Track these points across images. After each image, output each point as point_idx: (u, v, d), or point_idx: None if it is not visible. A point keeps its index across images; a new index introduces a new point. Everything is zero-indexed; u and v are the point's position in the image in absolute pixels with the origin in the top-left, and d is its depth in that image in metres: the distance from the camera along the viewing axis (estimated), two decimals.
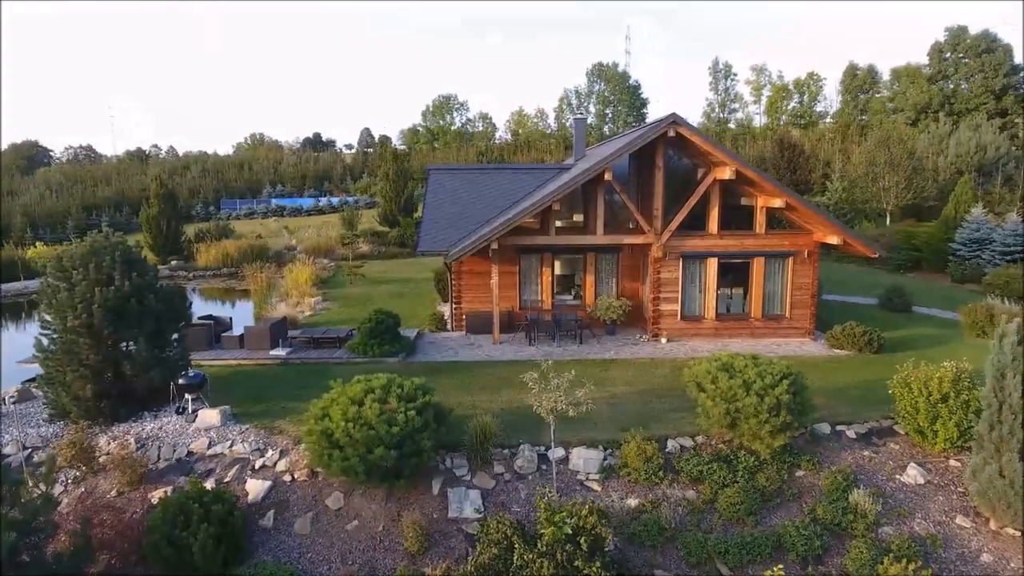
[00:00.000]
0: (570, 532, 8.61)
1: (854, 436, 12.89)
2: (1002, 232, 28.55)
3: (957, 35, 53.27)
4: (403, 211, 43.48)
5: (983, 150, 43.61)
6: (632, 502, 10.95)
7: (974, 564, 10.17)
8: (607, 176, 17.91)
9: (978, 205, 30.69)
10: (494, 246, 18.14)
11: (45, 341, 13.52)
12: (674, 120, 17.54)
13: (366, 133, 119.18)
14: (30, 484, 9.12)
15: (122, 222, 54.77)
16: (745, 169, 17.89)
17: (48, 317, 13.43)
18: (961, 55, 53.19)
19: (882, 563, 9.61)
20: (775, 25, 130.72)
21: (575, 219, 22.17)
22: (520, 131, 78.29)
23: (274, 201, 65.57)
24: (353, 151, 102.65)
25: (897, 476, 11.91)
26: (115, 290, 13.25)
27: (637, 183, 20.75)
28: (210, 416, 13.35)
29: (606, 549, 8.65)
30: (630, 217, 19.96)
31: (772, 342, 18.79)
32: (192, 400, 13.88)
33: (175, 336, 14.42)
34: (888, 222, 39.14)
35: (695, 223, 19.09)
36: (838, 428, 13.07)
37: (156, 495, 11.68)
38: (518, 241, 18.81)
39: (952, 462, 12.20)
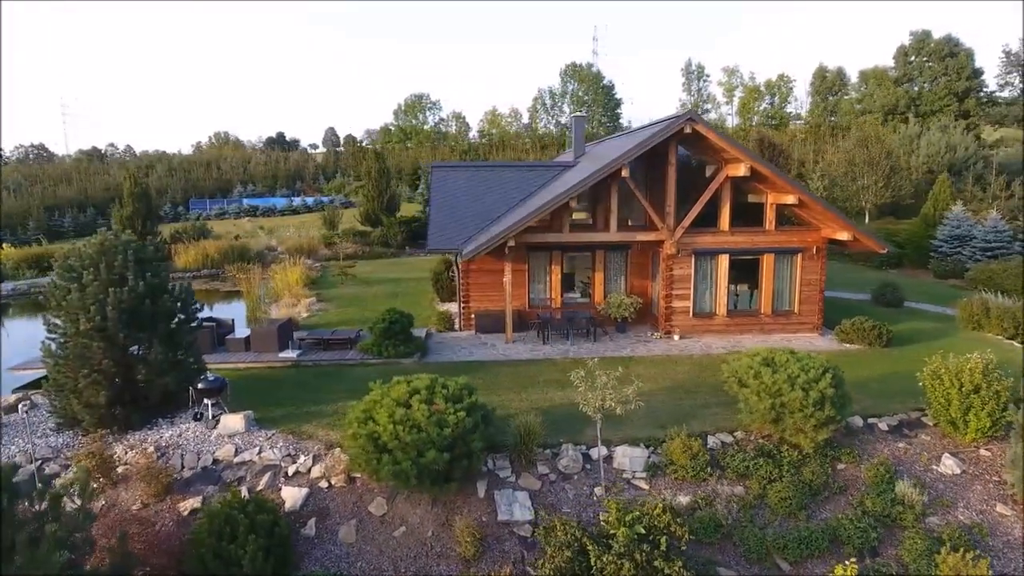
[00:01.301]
0: (643, 532, 8.43)
1: (886, 428, 13.03)
2: (983, 229, 29.47)
3: (921, 39, 55.04)
4: (386, 210, 42.80)
5: (952, 150, 45.05)
6: (683, 499, 10.83)
7: (1021, 551, 10.35)
8: (624, 173, 17.82)
9: (957, 203, 31.63)
10: (511, 244, 17.88)
11: (53, 346, 12.77)
12: (690, 117, 17.56)
13: (331, 132, 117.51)
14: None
15: (87, 222, 52.72)
16: (760, 166, 18.02)
17: (57, 320, 12.68)
18: (925, 59, 54.95)
19: (939, 553, 9.69)
20: (748, 26, 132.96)
21: (577, 217, 22.03)
22: (495, 130, 77.96)
23: (246, 201, 63.93)
24: (321, 151, 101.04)
25: (933, 467, 12.07)
26: (129, 290, 12.59)
27: (645, 180, 20.71)
28: (233, 422, 12.80)
29: (682, 548, 8.51)
30: (641, 214, 19.99)
31: (782, 337, 18.94)
32: (212, 405, 13.28)
33: (189, 339, 13.78)
34: (866, 220, 40.11)
35: (706, 220, 19.15)
36: (870, 421, 13.21)
37: (185, 506, 11.14)
38: (530, 239, 18.58)
39: (983, 452, 12.43)
